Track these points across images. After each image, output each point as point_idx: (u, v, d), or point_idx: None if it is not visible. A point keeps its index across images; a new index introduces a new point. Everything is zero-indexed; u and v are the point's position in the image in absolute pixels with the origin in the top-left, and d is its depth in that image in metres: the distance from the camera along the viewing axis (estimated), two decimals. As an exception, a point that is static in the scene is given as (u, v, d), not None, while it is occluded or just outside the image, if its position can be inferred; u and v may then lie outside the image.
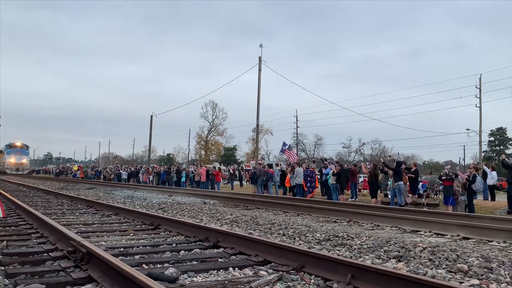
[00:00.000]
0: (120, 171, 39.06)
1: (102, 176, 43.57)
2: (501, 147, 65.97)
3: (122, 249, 5.22)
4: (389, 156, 22.48)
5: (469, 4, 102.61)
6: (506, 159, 16.56)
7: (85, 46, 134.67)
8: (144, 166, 38.65)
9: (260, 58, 31.08)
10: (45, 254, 4.74)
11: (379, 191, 17.37)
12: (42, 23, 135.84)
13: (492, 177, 18.71)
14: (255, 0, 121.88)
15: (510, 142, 65.83)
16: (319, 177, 21.54)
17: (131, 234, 6.65)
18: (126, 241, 6.02)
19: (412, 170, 16.89)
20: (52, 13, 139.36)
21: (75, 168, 59.09)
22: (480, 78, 40.47)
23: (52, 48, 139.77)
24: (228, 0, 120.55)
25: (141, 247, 5.45)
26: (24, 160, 62.80)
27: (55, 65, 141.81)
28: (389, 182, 16.19)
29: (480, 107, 40.54)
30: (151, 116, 47.98)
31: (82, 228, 7.16)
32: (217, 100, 74.63)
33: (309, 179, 19.14)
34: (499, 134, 66.93)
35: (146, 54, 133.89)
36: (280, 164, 26.54)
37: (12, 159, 61.06)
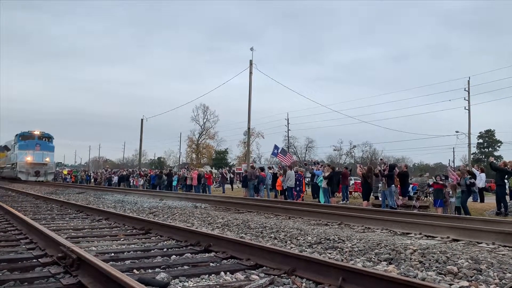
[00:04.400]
0: (111, 175, 38.83)
1: (92, 180, 43.30)
2: (490, 149, 66.86)
3: (112, 254, 5.18)
4: (380, 159, 22.74)
5: (452, 7, 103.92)
6: (494, 161, 16.76)
7: (69, 48, 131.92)
8: (136, 170, 38.50)
9: (251, 61, 31.17)
10: (34, 260, 4.69)
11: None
12: (23, 24, 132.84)
13: (481, 179, 18.94)
14: (239, 2, 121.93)
15: (499, 144, 66.68)
16: (306, 181, 21.64)
17: (122, 239, 6.60)
18: (116, 246, 5.97)
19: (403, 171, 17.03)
20: (32, 14, 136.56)
21: (65, 172, 55.63)
22: (468, 81, 41.03)
23: (35, 50, 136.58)
24: (212, 1, 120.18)
25: (132, 252, 5.41)
26: (48, 159, 40.31)
27: (38, 67, 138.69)
28: (379, 185, 16.30)
29: (469, 110, 41.07)
30: (142, 120, 47.80)
31: (72, 233, 7.10)
32: (206, 103, 74.67)
33: (297, 182, 19.19)
34: (487, 136, 67.81)
35: (132, 57, 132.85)
36: (273, 167, 26.58)
37: (28, 157, 38.68)
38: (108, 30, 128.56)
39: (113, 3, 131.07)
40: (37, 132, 41.33)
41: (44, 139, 41.48)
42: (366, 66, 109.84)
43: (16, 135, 41.32)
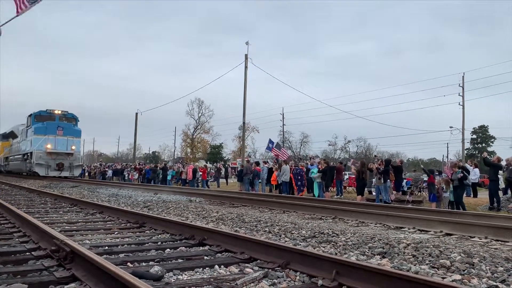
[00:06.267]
0: (106, 169, 38.74)
1: (86, 173, 43.16)
2: (483, 144, 67.28)
3: (106, 247, 5.17)
4: (374, 156, 22.97)
5: (446, 1, 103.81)
6: (488, 157, 16.87)
7: (60, 40, 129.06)
8: (132, 165, 38.39)
9: (246, 55, 31.14)
10: (27, 253, 4.67)
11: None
12: (12, 15, 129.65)
13: (475, 174, 19.08)
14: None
15: (492, 140, 67.14)
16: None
17: (116, 233, 6.59)
18: (110, 239, 5.96)
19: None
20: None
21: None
22: (463, 76, 41.21)
23: (24, 42, 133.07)
24: None
25: (126, 245, 5.40)
26: (74, 147, 30.52)
27: (28, 59, 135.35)
28: (373, 180, 16.37)
29: (463, 105, 41.28)
30: (136, 114, 47.65)
31: (66, 227, 7.07)
32: (201, 97, 74.49)
33: (299, 177, 19.21)
34: (481, 132, 68.26)
35: (125, 50, 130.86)
36: (268, 162, 26.61)
37: (48, 145, 29.12)
38: (101, 22, 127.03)
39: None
40: (58, 112, 30.89)
41: (67, 120, 31.38)
42: (360, 60, 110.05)
43: (30, 115, 31.04)
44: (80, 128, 32.16)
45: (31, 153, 29.55)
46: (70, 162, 30.12)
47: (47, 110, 30.95)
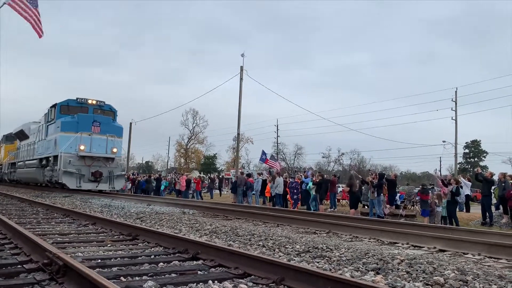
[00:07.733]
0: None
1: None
2: (476, 159, 67.79)
3: (99, 260, 5.12)
4: (369, 170, 23.15)
5: (439, 16, 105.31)
6: (481, 172, 17.00)
7: (52, 47, 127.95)
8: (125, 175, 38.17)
9: (241, 67, 31.29)
10: (19, 266, 4.61)
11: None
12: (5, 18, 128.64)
13: (467, 187, 19.20)
14: (224, 7, 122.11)
15: (484, 155, 67.74)
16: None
17: (109, 245, 6.53)
18: (103, 252, 5.91)
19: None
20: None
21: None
22: (456, 91, 41.65)
23: (16, 48, 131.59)
24: (197, 6, 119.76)
25: (118, 258, 5.36)
26: (116, 149, 22.34)
27: (19, 66, 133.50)
28: (368, 193, 16.40)
29: (456, 120, 41.63)
30: (130, 123, 47.46)
31: (58, 238, 7.00)
32: (195, 107, 74.46)
33: (295, 191, 19.19)
34: (473, 146, 68.90)
35: (117, 58, 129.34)
36: (263, 173, 26.59)
37: (81, 146, 21.11)
38: (93, 30, 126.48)
39: (99, 2, 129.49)
40: (92, 101, 22.99)
41: (104, 113, 23.15)
42: (354, 72, 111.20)
43: (53, 106, 23.15)
44: (122, 125, 24.60)
45: (55, 156, 21.73)
46: (110, 170, 22.11)
47: (77, 99, 22.85)
